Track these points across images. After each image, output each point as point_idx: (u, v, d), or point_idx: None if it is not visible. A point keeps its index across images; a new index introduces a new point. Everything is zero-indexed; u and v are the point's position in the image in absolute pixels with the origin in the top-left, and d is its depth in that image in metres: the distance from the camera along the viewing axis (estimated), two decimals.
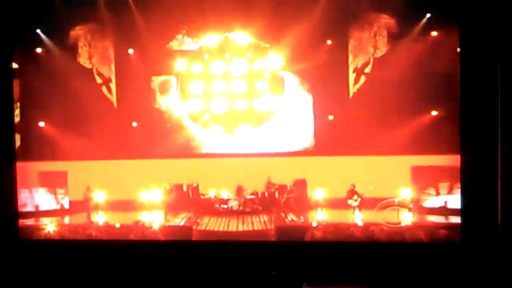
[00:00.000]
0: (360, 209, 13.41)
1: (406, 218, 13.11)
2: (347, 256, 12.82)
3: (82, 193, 14.10)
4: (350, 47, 13.82)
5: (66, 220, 14.18)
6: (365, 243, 13.06)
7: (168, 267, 13.18)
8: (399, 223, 13.04)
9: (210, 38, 14.26)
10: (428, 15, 12.99)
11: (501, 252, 11.76)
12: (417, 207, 13.20)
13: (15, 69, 13.98)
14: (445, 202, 13.01)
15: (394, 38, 13.46)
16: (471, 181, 12.26)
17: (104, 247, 13.46)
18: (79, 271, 13.22)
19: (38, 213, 14.10)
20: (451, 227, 12.73)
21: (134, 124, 14.45)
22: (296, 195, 13.88)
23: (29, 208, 14.11)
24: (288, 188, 14.03)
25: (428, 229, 12.92)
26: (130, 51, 14.34)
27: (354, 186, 13.51)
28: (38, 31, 14.13)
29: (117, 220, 13.78)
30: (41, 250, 13.48)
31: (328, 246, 13.11)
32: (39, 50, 14.21)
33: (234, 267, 13.00)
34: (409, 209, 13.16)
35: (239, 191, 14.25)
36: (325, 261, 12.82)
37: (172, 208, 14.04)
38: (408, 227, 12.98)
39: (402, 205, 13.20)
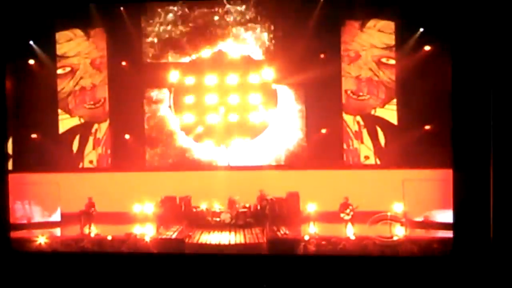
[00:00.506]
0: (353, 223, 13.38)
1: (399, 232, 13.12)
2: (338, 269, 12.74)
3: (73, 206, 13.96)
4: (344, 60, 13.81)
5: (58, 232, 14.08)
6: (357, 256, 13.04)
7: (161, 280, 13.07)
8: (392, 237, 13.03)
9: (203, 51, 14.22)
10: (421, 30, 13.08)
11: (492, 265, 11.72)
12: (409, 221, 13.20)
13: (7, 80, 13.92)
14: (437, 216, 13.01)
15: (388, 52, 13.55)
16: (463, 195, 12.20)
17: (96, 259, 13.36)
18: (72, 282, 13.09)
19: (29, 225, 14.00)
20: (442, 241, 12.72)
21: (127, 136, 14.37)
22: (266, 206, 13.85)
23: (20, 220, 14.05)
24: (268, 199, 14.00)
25: (419, 243, 12.90)
26: (123, 63, 14.27)
27: (347, 199, 13.50)
28: (31, 42, 14.10)
29: (109, 233, 13.69)
30: (33, 261, 13.36)
31: (320, 260, 13.06)
32: (31, 62, 14.19)
33: (226, 281, 12.90)
34: (402, 223, 13.16)
35: (231, 204, 14.17)
36: (316, 275, 12.74)
37: (164, 221, 13.95)
38: (401, 241, 12.99)
39: (394, 219, 13.20)
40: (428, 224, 13.13)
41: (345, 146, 13.89)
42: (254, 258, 13.25)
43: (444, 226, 12.78)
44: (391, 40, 13.46)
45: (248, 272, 12.97)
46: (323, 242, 13.15)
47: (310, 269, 12.87)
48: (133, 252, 13.52)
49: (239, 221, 13.98)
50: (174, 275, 13.06)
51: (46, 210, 14.23)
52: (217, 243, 13.41)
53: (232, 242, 13.43)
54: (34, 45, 14.15)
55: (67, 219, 14.08)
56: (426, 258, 12.69)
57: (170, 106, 14.46)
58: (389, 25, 13.43)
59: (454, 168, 12.24)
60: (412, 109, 13.23)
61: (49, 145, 14.24)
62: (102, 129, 14.45)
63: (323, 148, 13.89)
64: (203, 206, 14.19)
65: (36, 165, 14.14)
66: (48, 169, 14.15)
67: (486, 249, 11.85)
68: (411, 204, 13.23)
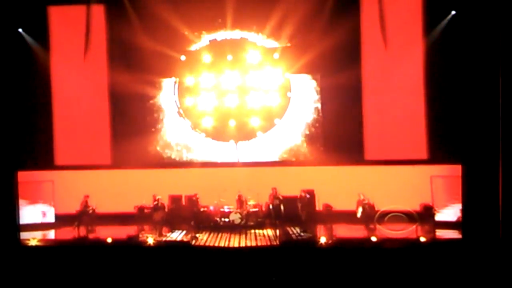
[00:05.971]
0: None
1: (408, 225, 12.50)
2: (349, 260, 11.94)
3: (69, 206, 13.05)
4: (363, 49, 13.11)
5: (52, 235, 13.19)
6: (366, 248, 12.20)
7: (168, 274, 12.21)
8: (402, 229, 12.34)
9: (212, 39, 13.52)
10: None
11: (502, 257, 11.39)
12: (417, 213, 12.65)
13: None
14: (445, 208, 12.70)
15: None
16: (471, 190, 11.96)
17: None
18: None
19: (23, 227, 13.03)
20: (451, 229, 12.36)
21: (129, 130, 13.48)
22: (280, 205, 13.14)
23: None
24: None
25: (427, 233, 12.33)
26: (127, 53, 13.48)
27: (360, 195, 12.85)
28: (20, 30, 13.29)
29: (109, 235, 12.74)
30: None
31: (329, 251, 12.19)
32: (27, 52, 13.36)
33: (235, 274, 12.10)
34: (408, 215, 12.55)
35: (241, 203, 13.36)
36: (328, 267, 11.95)
37: (168, 222, 13.09)
38: (410, 232, 12.31)
39: (399, 211, 12.56)
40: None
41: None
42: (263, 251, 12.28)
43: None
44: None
45: (257, 265, 12.02)
46: (341, 244, 12.21)
47: (321, 263, 11.96)
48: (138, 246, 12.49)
49: (249, 222, 13.13)
50: (182, 268, 12.11)
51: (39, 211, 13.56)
52: (226, 245, 12.51)
53: (243, 245, 12.48)
54: (24, 33, 13.36)
55: (62, 221, 13.33)
56: (436, 245, 12.07)
57: (175, 97, 13.75)
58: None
59: (463, 163, 11.99)
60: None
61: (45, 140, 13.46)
62: (101, 122, 13.63)
63: (341, 142, 13.21)
64: (211, 206, 13.36)
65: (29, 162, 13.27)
66: (42, 166, 13.38)
67: (495, 242, 11.61)
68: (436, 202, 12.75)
